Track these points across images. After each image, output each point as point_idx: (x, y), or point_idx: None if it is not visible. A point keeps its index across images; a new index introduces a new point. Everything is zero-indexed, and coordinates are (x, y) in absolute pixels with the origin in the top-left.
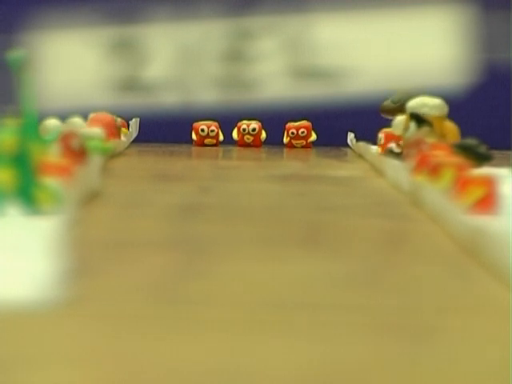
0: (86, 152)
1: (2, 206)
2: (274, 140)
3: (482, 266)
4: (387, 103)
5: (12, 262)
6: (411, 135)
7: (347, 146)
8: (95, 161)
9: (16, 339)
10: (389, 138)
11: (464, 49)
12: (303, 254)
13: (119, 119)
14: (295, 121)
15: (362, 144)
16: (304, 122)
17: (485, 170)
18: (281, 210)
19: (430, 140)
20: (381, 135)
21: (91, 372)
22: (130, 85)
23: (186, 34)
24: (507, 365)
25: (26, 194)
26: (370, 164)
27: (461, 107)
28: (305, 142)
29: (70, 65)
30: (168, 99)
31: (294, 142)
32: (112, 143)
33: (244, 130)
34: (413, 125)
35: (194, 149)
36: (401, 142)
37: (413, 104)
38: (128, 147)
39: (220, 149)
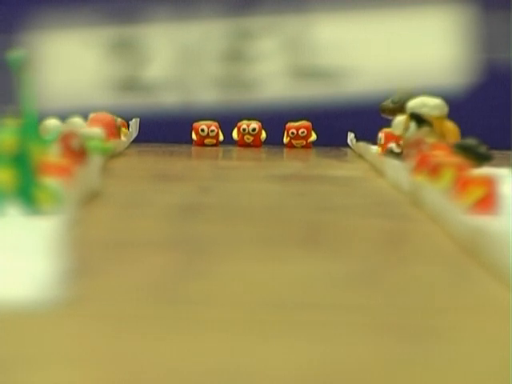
0: (86, 152)
1: (2, 206)
2: (274, 140)
3: (482, 266)
4: (387, 103)
5: (12, 262)
6: (411, 135)
7: (347, 146)
8: (95, 161)
9: (16, 339)
10: (389, 137)
11: (464, 49)
12: (303, 253)
13: (119, 119)
14: (295, 121)
15: (362, 144)
16: (304, 122)
17: (485, 170)
18: (281, 209)
19: (430, 140)
20: (381, 135)
21: (91, 372)
22: (130, 85)
23: (186, 34)
24: (507, 365)
25: (26, 194)
26: (370, 164)
27: (461, 107)
28: (305, 142)
29: (70, 65)
30: (168, 99)
31: (294, 142)
32: (112, 143)
33: (244, 130)
34: (413, 125)
35: (194, 149)
36: (401, 142)
37: (413, 104)
38: (128, 147)
39: (220, 149)
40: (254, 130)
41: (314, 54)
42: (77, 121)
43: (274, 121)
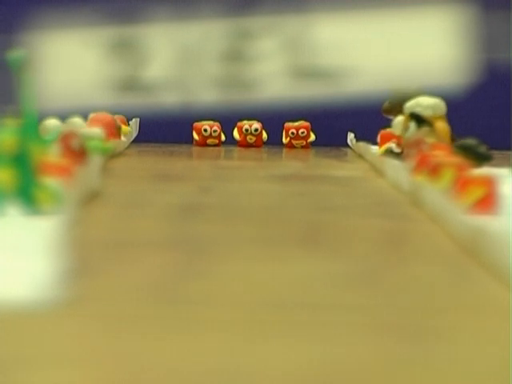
0: (86, 152)
1: (2, 206)
2: (274, 140)
3: (482, 266)
4: (388, 103)
5: (12, 261)
6: (411, 135)
7: (347, 146)
8: (95, 161)
9: (16, 339)
10: (385, 138)
11: (464, 49)
12: (303, 253)
13: (119, 116)
14: (295, 121)
15: (361, 144)
16: (303, 122)
17: (485, 170)
18: (281, 210)
19: (430, 140)
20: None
21: (91, 372)
22: (130, 85)
23: (186, 34)
24: (507, 365)
25: (26, 194)
26: (370, 164)
27: (461, 107)
28: (305, 142)
29: (70, 65)
30: (168, 99)
31: (293, 142)
32: (112, 143)
33: (247, 130)
34: (413, 125)
35: (194, 149)
36: (396, 141)
37: (411, 104)
38: (128, 147)
39: (221, 149)
40: (256, 130)
41: (313, 54)
42: (77, 121)
43: (274, 121)
